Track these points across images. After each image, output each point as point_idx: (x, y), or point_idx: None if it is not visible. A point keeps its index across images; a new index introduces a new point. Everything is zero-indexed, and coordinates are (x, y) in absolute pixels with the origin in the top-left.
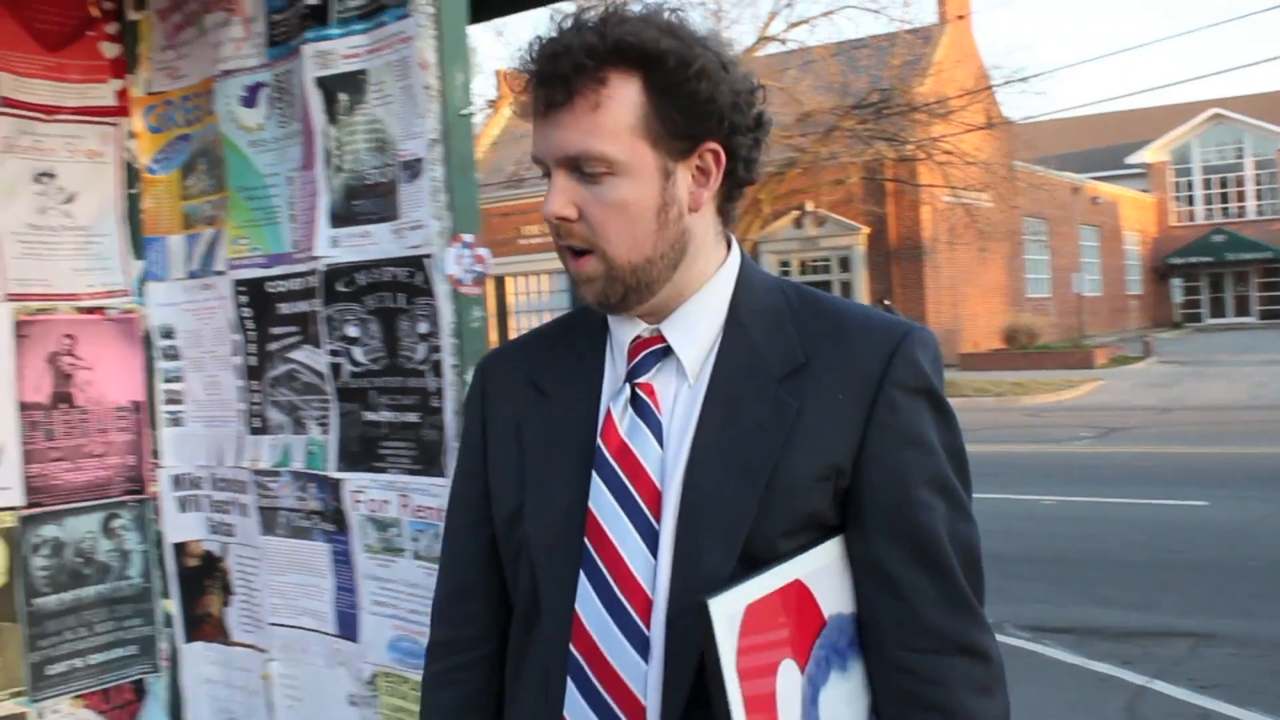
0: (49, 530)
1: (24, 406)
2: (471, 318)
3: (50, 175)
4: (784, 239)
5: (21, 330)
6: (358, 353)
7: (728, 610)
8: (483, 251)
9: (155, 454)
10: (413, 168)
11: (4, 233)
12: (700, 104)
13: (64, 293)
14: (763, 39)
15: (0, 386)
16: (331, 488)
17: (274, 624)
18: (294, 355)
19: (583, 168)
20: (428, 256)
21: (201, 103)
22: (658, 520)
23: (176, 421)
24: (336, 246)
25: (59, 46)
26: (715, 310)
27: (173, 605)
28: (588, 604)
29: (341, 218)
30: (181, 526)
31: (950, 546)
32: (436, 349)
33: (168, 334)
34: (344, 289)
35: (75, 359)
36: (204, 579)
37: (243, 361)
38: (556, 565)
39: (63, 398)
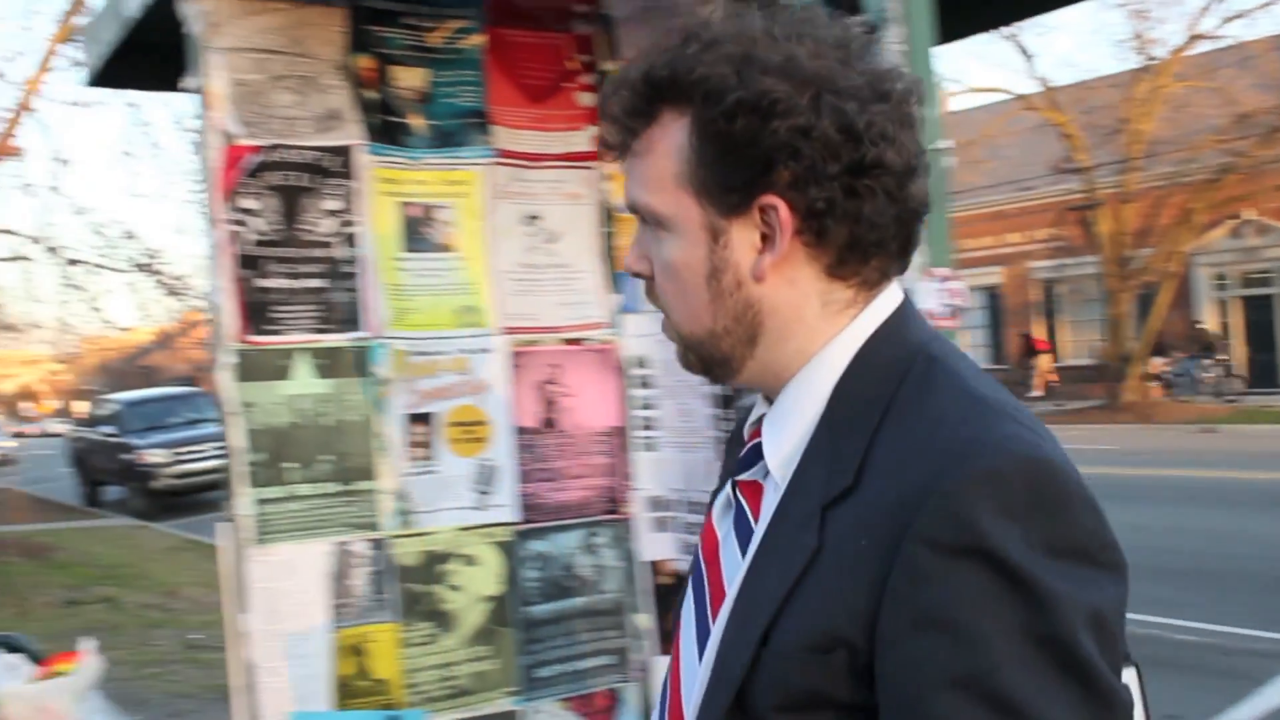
0: (539, 545)
1: (519, 431)
2: None
3: (537, 217)
4: (1220, 251)
5: (516, 361)
6: None
7: None
8: (957, 285)
9: (631, 476)
10: None
11: (500, 272)
12: (738, 147)
13: (550, 325)
14: (1194, 37)
15: (500, 412)
16: None
17: None
18: None
19: (646, 219)
20: None
21: None
22: None
23: (650, 446)
24: None
25: (542, 99)
26: (813, 399)
27: (645, 620)
28: None
29: None
30: (654, 546)
31: None
32: None
33: (642, 363)
34: None
35: (560, 387)
36: (675, 596)
37: (714, 390)
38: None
39: (550, 423)
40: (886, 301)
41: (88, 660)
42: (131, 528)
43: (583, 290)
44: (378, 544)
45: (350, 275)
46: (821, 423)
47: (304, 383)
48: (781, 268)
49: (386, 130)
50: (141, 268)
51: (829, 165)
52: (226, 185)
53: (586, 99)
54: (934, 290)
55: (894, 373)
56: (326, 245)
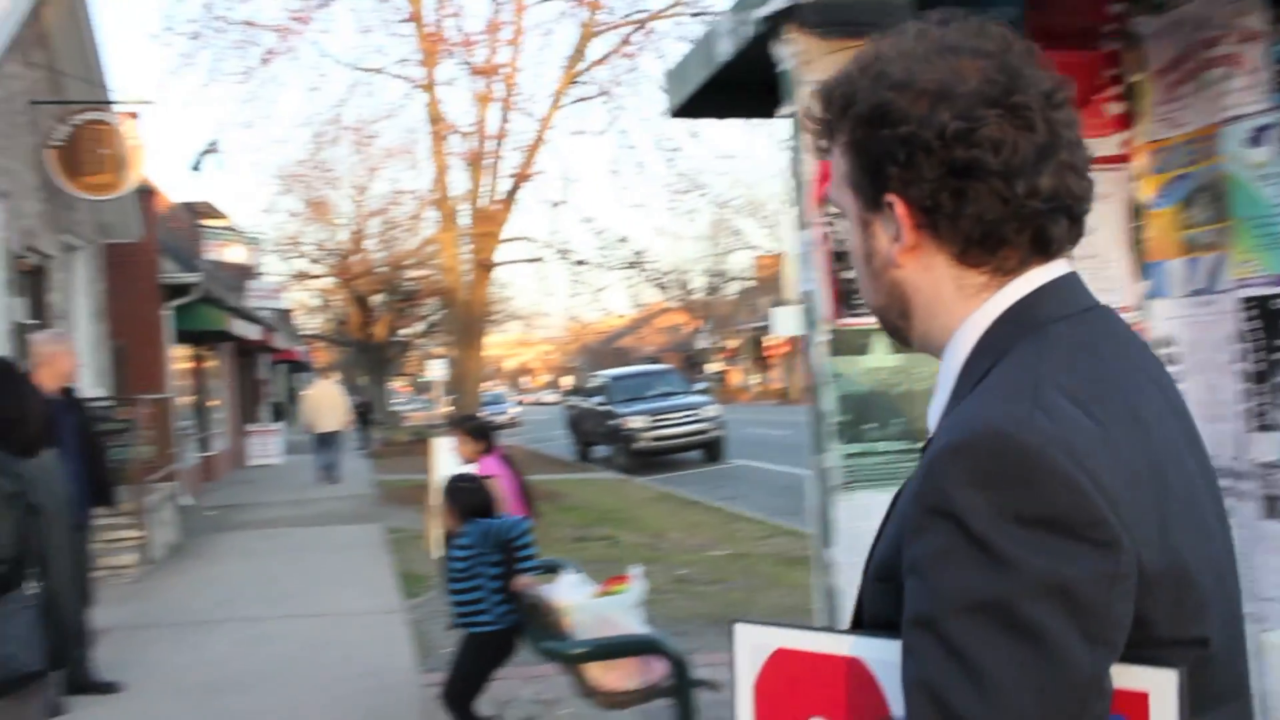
0: None
1: None
2: None
3: None
4: None
5: None
6: None
7: (753, 640)
8: None
9: None
10: None
11: None
12: (862, 152)
13: None
14: None
15: None
16: None
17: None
18: None
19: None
20: None
21: (1202, 145)
22: None
23: None
24: None
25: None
26: (952, 370)
27: None
28: None
29: None
30: None
31: (915, 698)
32: None
33: (1168, 343)
34: None
35: None
36: None
37: (1245, 368)
38: None
39: None
40: (1024, 284)
41: (636, 584)
42: (618, 480)
43: (1111, 278)
44: None
45: None
46: (955, 390)
47: (880, 357)
48: (916, 254)
49: None
50: (632, 265)
51: (927, 168)
52: (820, 194)
53: (1114, 108)
54: None
55: (999, 351)
56: None
